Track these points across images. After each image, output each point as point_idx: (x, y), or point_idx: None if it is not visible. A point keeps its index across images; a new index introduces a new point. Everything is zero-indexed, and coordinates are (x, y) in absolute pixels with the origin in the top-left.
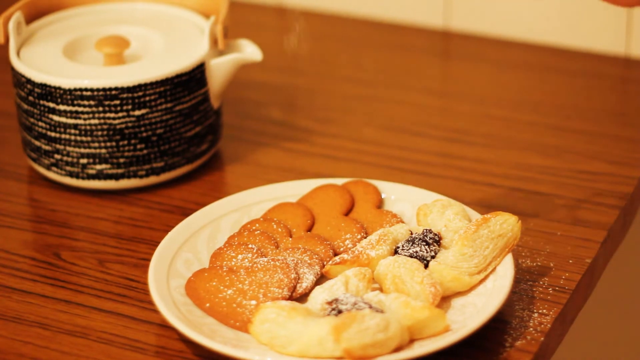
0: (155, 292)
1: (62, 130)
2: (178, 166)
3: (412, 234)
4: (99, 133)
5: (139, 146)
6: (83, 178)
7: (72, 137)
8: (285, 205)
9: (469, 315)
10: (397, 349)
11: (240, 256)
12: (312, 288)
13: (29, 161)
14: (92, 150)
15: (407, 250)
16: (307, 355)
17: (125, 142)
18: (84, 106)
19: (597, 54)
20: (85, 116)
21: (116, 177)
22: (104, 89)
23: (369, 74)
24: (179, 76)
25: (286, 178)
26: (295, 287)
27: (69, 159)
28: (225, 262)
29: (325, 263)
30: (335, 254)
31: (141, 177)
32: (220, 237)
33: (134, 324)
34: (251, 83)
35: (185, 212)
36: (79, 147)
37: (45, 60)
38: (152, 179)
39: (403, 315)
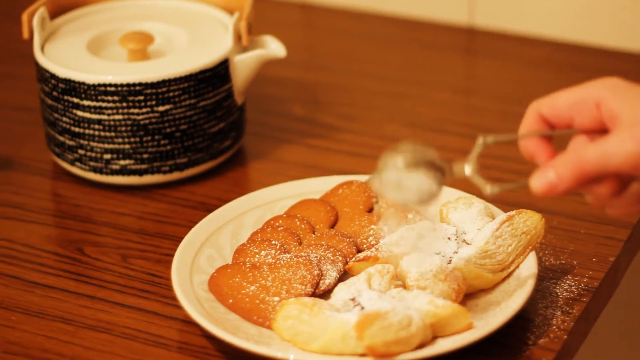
0: (179, 288)
1: (86, 125)
2: (201, 162)
3: (435, 231)
4: (123, 129)
5: (162, 142)
6: (107, 173)
7: (96, 133)
8: (308, 202)
9: (492, 313)
10: (420, 346)
11: (263, 252)
12: (335, 285)
13: (53, 156)
14: (116, 146)
15: (430, 247)
16: (330, 351)
17: (149, 137)
18: (108, 102)
19: (624, 52)
20: (109, 111)
21: (140, 172)
22: (127, 85)
23: (392, 71)
24: (202, 72)
25: (309, 175)
26: (318, 283)
27: (93, 154)
28: (248, 259)
29: (348, 260)
30: (359, 251)
31: (164, 172)
32: (244, 234)
33: (157, 320)
34: (275, 79)
35: (209, 208)
36: (103, 142)
37: (70, 55)
38: (176, 175)
39: (426, 313)
